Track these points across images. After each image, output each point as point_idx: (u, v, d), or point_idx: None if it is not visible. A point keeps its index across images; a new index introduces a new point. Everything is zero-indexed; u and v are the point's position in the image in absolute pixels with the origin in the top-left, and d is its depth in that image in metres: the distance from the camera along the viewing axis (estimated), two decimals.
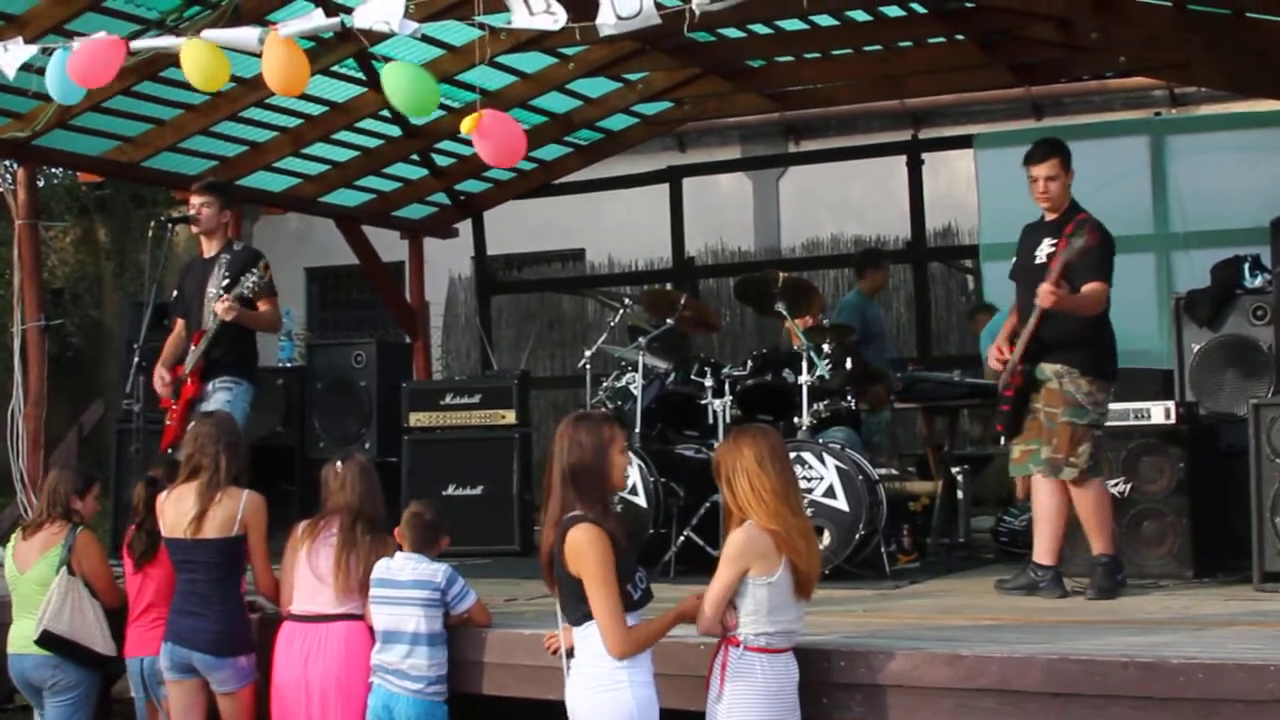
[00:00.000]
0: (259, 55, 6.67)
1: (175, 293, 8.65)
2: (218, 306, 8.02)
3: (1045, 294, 7.15)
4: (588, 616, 5.32)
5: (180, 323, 8.49)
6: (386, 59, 10.08)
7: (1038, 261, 7.47)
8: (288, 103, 10.61)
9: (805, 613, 5.62)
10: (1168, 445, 8.11)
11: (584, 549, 5.26)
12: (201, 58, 6.71)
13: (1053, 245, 7.40)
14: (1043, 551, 7.47)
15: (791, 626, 5.53)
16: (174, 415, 8.23)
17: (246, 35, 6.78)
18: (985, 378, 10.11)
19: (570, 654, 5.47)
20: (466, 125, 6.53)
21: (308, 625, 6.54)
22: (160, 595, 6.94)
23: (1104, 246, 7.38)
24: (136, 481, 7.28)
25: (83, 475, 7.66)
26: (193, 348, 8.18)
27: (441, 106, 11.30)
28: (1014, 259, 7.81)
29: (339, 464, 6.77)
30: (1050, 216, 7.58)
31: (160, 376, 8.29)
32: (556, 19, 6.08)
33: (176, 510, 6.68)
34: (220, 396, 8.11)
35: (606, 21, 6.05)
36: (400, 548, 6.59)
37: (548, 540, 5.39)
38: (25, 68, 7.11)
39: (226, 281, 8.12)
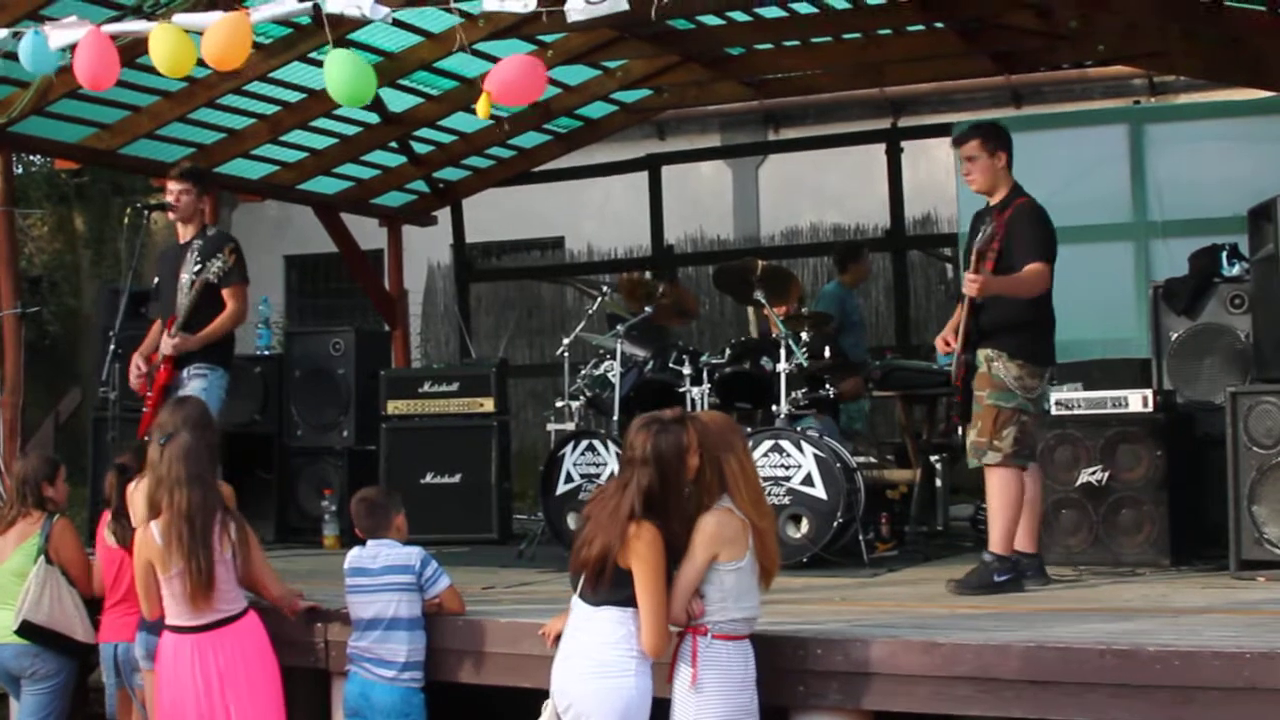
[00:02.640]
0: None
1: (157, 279, 8.59)
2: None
3: (967, 283, 7.08)
4: (610, 602, 5.36)
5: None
6: (364, 46, 10.13)
7: (978, 249, 7.41)
8: (265, 90, 10.57)
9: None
10: (1145, 433, 8.14)
11: (643, 549, 5.29)
12: (169, 42, 6.67)
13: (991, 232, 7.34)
14: (1021, 540, 7.40)
15: (755, 613, 5.55)
16: (150, 402, 8.18)
17: (218, 19, 6.75)
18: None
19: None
20: (481, 110, 6.50)
21: (205, 634, 6.11)
22: (133, 584, 6.88)
23: (1038, 226, 7.26)
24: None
25: (48, 461, 7.64)
26: (165, 334, 8.13)
27: (420, 94, 11.33)
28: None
29: (158, 446, 6.19)
30: (992, 201, 7.46)
31: (136, 366, 8.24)
32: (527, 3, 6.07)
33: (145, 500, 6.61)
34: (195, 384, 8.04)
35: (575, 6, 6.04)
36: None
37: (606, 535, 5.34)
38: None
39: (198, 267, 8.07)
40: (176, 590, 6.09)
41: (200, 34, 6.65)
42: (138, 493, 6.66)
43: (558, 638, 5.65)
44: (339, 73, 6.74)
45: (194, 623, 6.11)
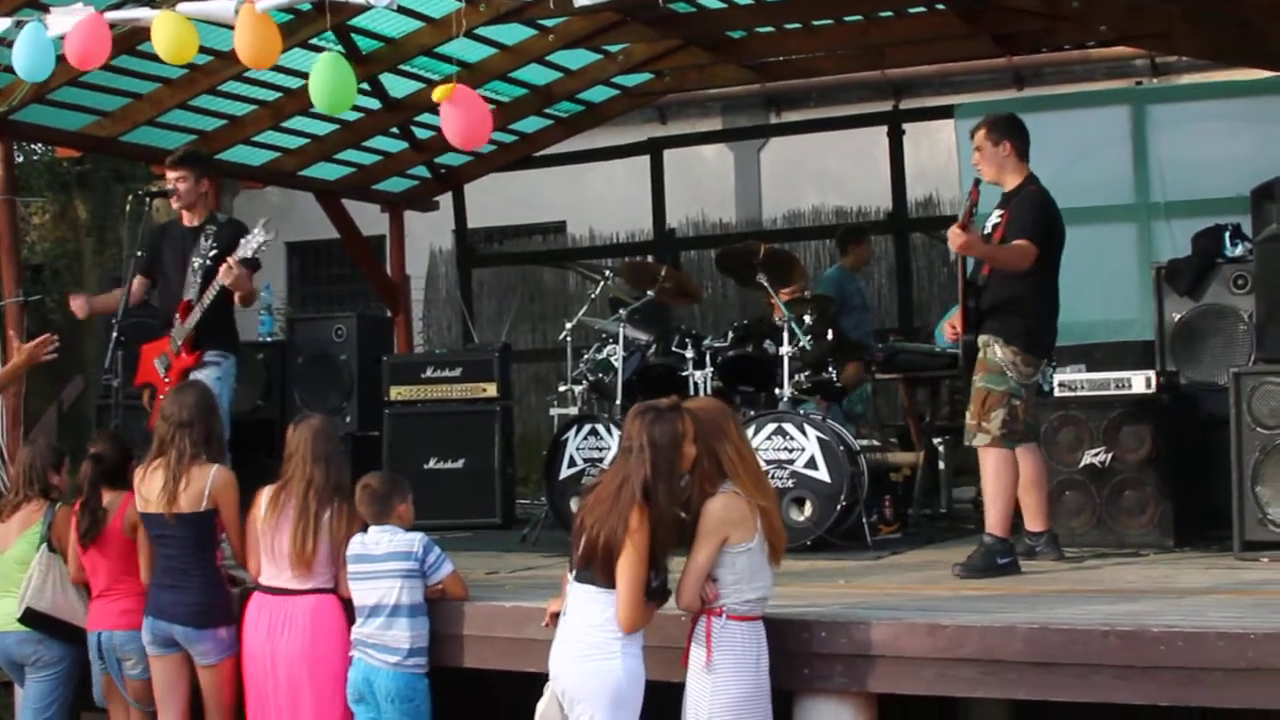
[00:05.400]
0: (234, 28, 6.64)
1: (141, 253, 8.26)
2: (222, 271, 7.79)
3: (952, 233, 7.11)
4: (594, 582, 5.40)
5: (139, 281, 8.28)
6: (365, 32, 10.13)
7: (985, 232, 7.49)
8: (266, 76, 10.54)
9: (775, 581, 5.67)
10: (1148, 414, 8.13)
11: (637, 530, 5.33)
12: (171, 30, 6.67)
13: (999, 216, 7.43)
14: (1031, 520, 7.49)
15: (768, 592, 5.58)
16: (165, 389, 8.10)
17: (222, 7, 6.75)
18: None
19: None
20: (439, 94, 6.51)
21: (276, 597, 6.53)
22: (114, 573, 6.91)
23: (1037, 210, 7.34)
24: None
25: (54, 449, 7.63)
26: (178, 321, 8.06)
27: (420, 79, 11.31)
28: None
29: (293, 426, 6.69)
30: (1005, 189, 7.54)
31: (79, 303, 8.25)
32: None
33: (149, 486, 6.66)
34: (209, 373, 7.99)
35: None
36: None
37: (609, 527, 5.37)
38: None
39: (214, 253, 7.96)
40: (267, 546, 6.55)
41: (204, 22, 6.66)
42: (142, 477, 6.68)
43: (554, 617, 5.68)
44: (322, 80, 6.75)
45: (276, 584, 6.54)
